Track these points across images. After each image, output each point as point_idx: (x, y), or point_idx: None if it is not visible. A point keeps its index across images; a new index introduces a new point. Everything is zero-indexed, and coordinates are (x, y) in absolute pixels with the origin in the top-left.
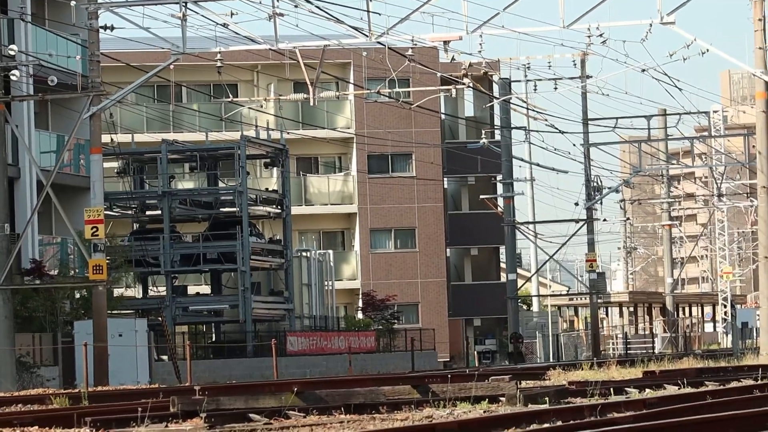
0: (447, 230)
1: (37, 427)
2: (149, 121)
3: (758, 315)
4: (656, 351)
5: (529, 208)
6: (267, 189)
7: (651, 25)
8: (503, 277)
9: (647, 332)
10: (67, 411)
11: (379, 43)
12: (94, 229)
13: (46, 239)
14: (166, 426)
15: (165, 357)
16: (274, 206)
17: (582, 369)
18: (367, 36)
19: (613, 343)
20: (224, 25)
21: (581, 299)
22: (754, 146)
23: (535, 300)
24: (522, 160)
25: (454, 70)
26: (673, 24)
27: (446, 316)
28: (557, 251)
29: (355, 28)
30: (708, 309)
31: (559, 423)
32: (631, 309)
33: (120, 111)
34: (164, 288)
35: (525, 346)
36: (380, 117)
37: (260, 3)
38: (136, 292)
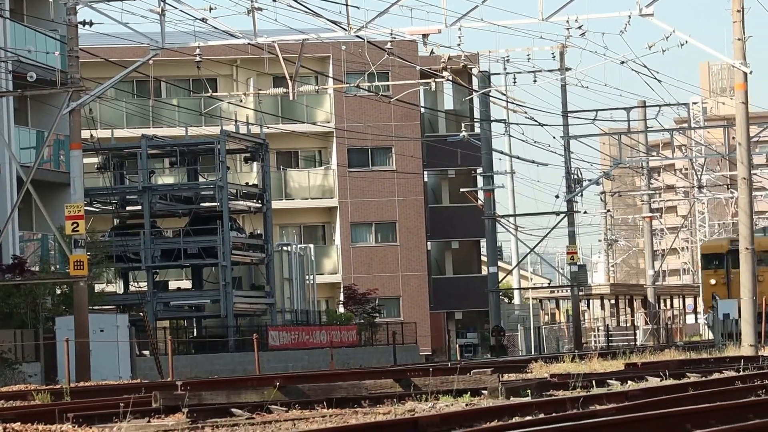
0: (428, 224)
1: (19, 423)
2: (129, 116)
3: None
4: (638, 343)
5: (509, 201)
6: (247, 183)
7: (630, 17)
8: (484, 270)
9: (629, 324)
10: (49, 407)
11: (358, 36)
12: (75, 225)
13: (27, 235)
14: (149, 421)
15: (147, 352)
16: (255, 201)
17: (564, 362)
18: (345, 30)
19: (594, 336)
20: (203, 20)
21: (562, 292)
22: (733, 137)
23: (516, 293)
24: (502, 152)
25: (433, 63)
26: (651, 16)
27: (428, 309)
28: (538, 244)
29: (334, 22)
30: (689, 301)
31: (542, 415)
32: (613, 301)
33: (99, 106)
34: (145, 283)
35: (506, 339)
36: (360, 111)
37: None
38: (117, 287)
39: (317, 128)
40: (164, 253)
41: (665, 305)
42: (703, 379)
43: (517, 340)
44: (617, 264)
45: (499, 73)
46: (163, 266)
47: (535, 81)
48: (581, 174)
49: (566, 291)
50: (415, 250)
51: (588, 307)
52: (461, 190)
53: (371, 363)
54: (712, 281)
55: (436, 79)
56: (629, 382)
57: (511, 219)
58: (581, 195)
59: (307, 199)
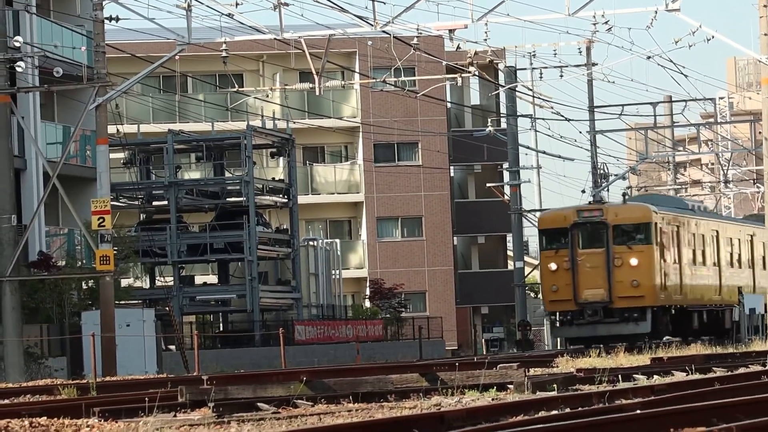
0: (453, 218)
1: (45, 417)
2: (155, 111)
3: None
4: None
5: (535, 196)
6: (273, 179)
7: (656, 12)
8: (510, 265)
9: None
10: (75, 401)
11: (384, 32)
12: (101, 220)
13: (53, 230)
14: (175, 416)
15: (173, 347)
16: (281, 196)
17: (590, 356)
18: (372, 25)
19: None
20: (229, 15)
21: None
22: (760, 132)
23: None
24: (528, 147)
25: (459, 58)
26: (678, 11)
27: (454, 304)
28: None
29: (360, 17)
30: None
31: (568, 410)
32: None
33: (126, 102)
34: (171, 278)
35: (532, 334)
36: (386, 106)
37: None
38: (143, 282)
39: (343, 123)
40: (190, 248)
41: None
42: (729, 373)
43: (543, 334)
44: None
45: (525, 69)
46: (190, 261)
47: (561, 76)
48: (607, 169)
49: None
50: (441, 245)
51: None
52: (487, 185)
53: (397, 357)
54: (552, 266)
55: (463, 75)
56: (655, 376)
57: (538, 214)
58: (607, 190)
59: (333, 194)
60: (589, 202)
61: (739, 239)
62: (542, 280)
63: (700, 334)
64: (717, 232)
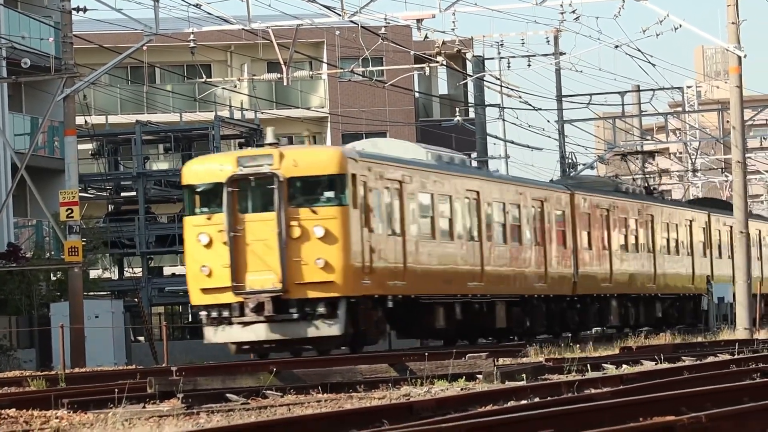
0: None
1: (14, 409)
2: (123, 102)
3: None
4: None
5: None
6: None
7: (624, 1)
8: None
9: None
10: (44, 393)
11: (352, 21)
12: (69, 211)
13: (21, 222)
14: (144, 407)
15: (141, 338)
16: None
17: (559, 346)
18: (339, 15)
19: None
20: (197, 6)
21: None
22: (728, 121)
23: None
24: (496, 137)
25: (427, 48)
26: (645, 0)
27: None
28: None
29: (328, 7)
30: None
31: (537, 399)
32: None
33: (94, 93)
34: (140, 269)
35: None
36: (354, 96)
37: None
38: (112, 273)
39: (311, 113)
40: (159, 239)
41: None
42: (698, 362)
43: None
44: None
45: (493, 58)
46: (158, 252)
47: (529, 65)
48: (576, 158)
49: None
50: None
51: None
52: None
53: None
54: (203, 239)
55: (430, 64)
56: (624, 366)
57: None
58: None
59: None
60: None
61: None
62: (187, 259)
63: (454, 333)
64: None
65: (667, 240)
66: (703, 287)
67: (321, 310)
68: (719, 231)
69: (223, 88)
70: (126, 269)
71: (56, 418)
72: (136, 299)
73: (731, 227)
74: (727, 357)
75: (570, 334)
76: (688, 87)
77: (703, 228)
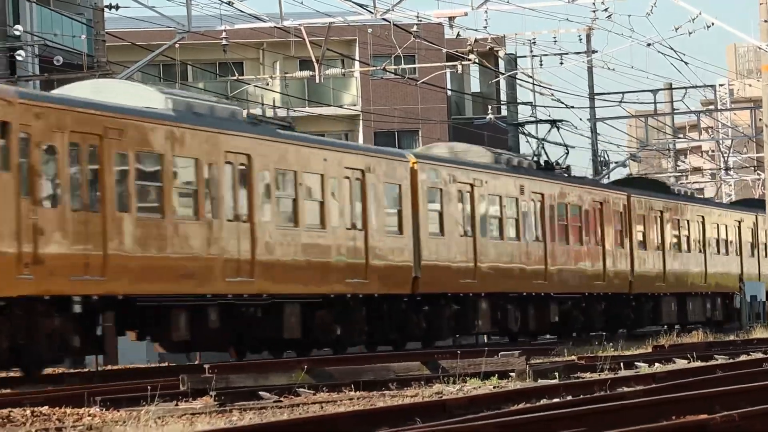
0: None
1: (47, 407)
2: None
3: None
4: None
5: None
6: None
7: None
8: None
9: None
10: (77, 390)
11: (384, 19)
12: None
13: None
14: (176, 404)
15: None
16: None
17: (592, 344)
18: (372, 13)
19: None
20: (229, 3)
21: None
22: (760, 119)
23: None
24: (529, 135)
25: (459, 46)
26: None
27: None
28: None
29: (360, 5)
30: None
31: (569, 398)
32: None
33: None
34: None
35: None
36: (386, 94)
37: None
38: None
39: (344, 111)
40: None
41: None
42: (731, 361)
43: None
44: None
45: (525, 56)
46: None
47: (561, 63)
48: (608, 156)
49: None
50: None
51: None
52: None
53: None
54: None
55: (463, 62)
56: (656, 364)
57: None
58: (608, 177)
59: None
60: None
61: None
62: None
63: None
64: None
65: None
66: (734, 285)
67: None
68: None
69: (255, 86)
70: None
71: (89, 415)
72: None
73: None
74: (760, 356)
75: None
76: (721, 85)
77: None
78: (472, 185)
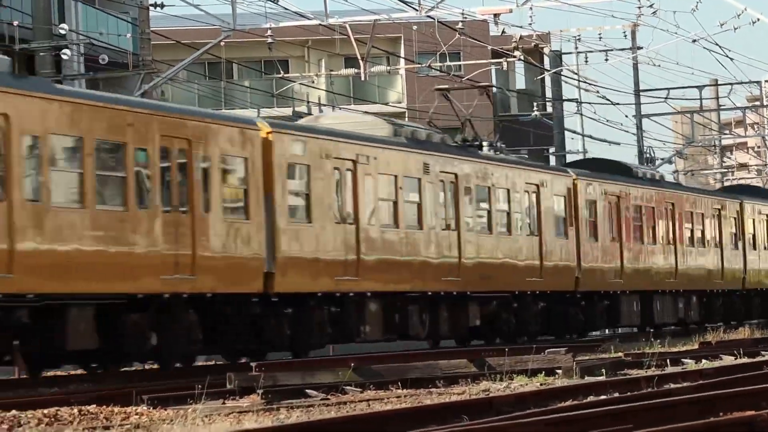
0: None
1: (95, 405)
2: (201, 98)
3: None
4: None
5: None
6: None
7: None
8: None
9: None
10: (124, 389)
11: (429, 16)
12: None
13: None
14: (224, 403)
15: None
16: None
17: (638, 341)
18: (417, 10)
19: None
20: (274, 1)
21: None
22: None
23: None
24: (574, 132)
25: (504, 43)
26: None
27: None
28: None
29: (405, 2)
30: None
31: (616, 394)
32: None
33: (171, 89)
34: None
35: None
36: (431, 91)
37: None
38: None
39: (389, 109)
40: None
41: None
42: None
43: None
44: None
45: (570, 53)
46: None
47: (606, 60)
48: (654, 153)
49: None
50: None
51: None
52: None
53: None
54: None
55: (508, 59)
56: (703, 360)
57: None
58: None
59: None
60: None
61: None
62: None
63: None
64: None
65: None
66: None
67: None
68: None
69: (300, 84)
70: None
71: (136, 414)
72: None
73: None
74: None
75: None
76: (766, 81)
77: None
78: (354, 161)
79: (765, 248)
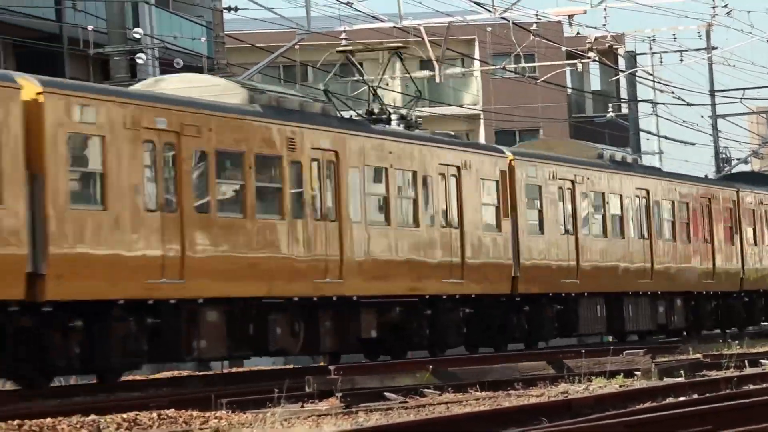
0: None
1: (173, 409)
2: None
3: None
4: None
5: None
6: None
7: None
8: None
9: None
10: (203, 393)
11: (503, 18)
12: None
13: None
14: (302, 406)
15: None
16: None
17: (717, 342)
18: (491, 11)
19: None
20: (348, 4)
21: None
22: None
23: None
24: (650, 133)
25: (579, 44)
26: None
27: None
28: None
29: (479, 4)
30: None
31: (695, 396)
32: None
33: None
34: None
35: None
36: (506, 93)
37: None
38: None
39: (464, 111)
40: None
41: None
42: None
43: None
44: None
45: (645, 53)
46: None
47: (681, 60)
48: (730, 153)
49: None
50: None
51: None
52: None
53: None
54: None
55: (582, 60)
56: None
57: None
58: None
59: None
60: None
61: None
62: None
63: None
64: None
65: None
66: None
67: None
68: None
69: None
70: None
71: (215, 418)
72: None
73: None
74: None
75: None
76: None
77: None
78: (178, 134)
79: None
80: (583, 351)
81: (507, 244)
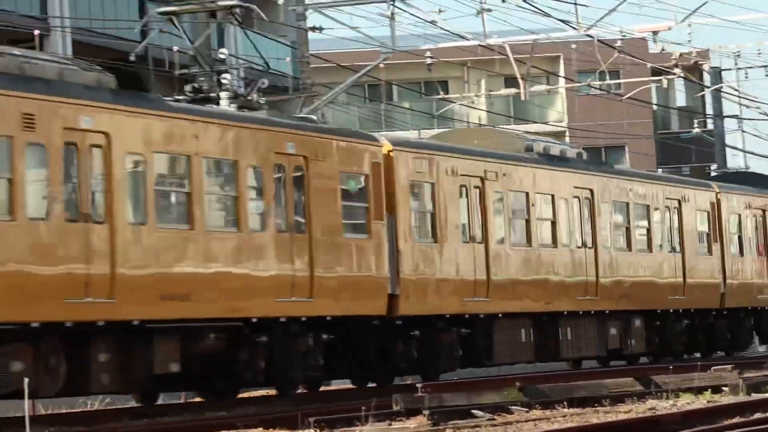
0: None
1: (261, 428)
2: (362, 120)
3: None
4: None
5: None
6: None
7: None
8: None
9: None
10: (290, 412)
11: (588, 35)
12: None
13: None
14: (390, 424)
15: None
16: None
17: None
18: (575, 29)
19: None
20: (432, 23)
21: None
22: None
23: None
24: (736, 148)
25: (664, 60)
26: None
27: None
28: None
29: (564, 21)
30: None
31: None
32: None
33: (332, 112)
34: None
35: None
36: (592, 109)
37: None
38: None
39: (550, 128)
40: None
41: None
42: None
43: None
44: None
45: (730, 69)
46: None
47: (767, 75)
48: None
49: None
50: None
51: None
52: None
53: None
54: None
55: (668, 76)
56: None
57: None
58: None
59: None
60: None
61: None
62: None
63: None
64: None
65: None
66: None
67: None
68: None
69: (460, 104)
70: None
71: None
72: None
73: None
74: None
75: None
76: None
77: None
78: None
79: (759, 253)
80: (671, 367)
81: (381, 252)
